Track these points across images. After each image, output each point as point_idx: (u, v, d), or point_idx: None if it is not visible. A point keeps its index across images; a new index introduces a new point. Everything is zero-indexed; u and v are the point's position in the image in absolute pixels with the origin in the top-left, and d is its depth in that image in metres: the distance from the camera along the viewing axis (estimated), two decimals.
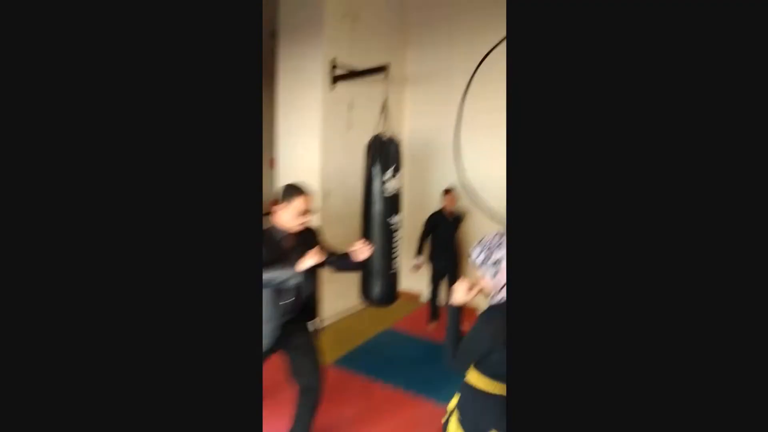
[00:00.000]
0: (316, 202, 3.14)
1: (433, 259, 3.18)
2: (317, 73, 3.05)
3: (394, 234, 2.43)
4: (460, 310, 1.11)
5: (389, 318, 3.46)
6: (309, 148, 3.15)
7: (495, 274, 1.02)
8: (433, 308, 3.32)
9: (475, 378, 1.10)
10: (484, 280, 1.05)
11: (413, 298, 3.98)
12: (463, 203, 3.73)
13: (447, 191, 3.18)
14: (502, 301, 1.03)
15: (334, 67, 3.08)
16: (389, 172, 2.38)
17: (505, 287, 1.01)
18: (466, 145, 3.76)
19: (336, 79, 3.09)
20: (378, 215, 2.38)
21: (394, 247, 2.44)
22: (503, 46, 3.46)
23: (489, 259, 1.02)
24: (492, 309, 1.04)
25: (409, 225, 3.73)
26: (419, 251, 3.17)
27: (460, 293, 1.10)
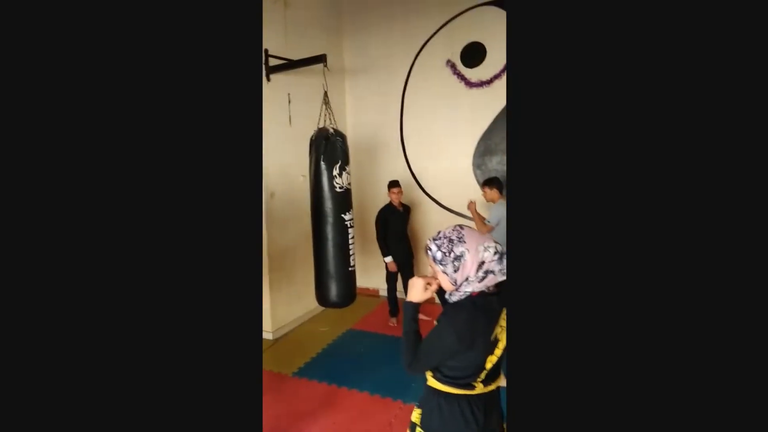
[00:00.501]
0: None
1: (390, 251, 3.12)
2: None
3: (349, 231, 2.32)
4: (417, 308, 1.05)
5: (349, 318, 3.35)
6: None
7: (456, 270, 0.96)
8: (393, 303, 3.26)
9: (435, 382, 1.04)
10: (443, 276, 0.99)
11: (371, 294, 3.90)
12: (414, 194, 3.71)
13: (393, 184, 3.11)
14: (464, 297, 0.97)
15: (267, 57, 2.87)
16: (338, 167, 2.25)
17: (466, 282, 0.96)
18: (412, 135, 3.74)
19: (271, 71, 2.88)
20: (331, 212, 2.25)
21: (351, 244, 2.33)
22: (442, 32, 3.47)
23: (450, 253, 0.95)
24: (455, 307, 0.98)
25: (360, 221, 3.63)
26: (387, 250, 3.07)
27: (417, 291, 1.03)
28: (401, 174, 3.68)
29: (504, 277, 0.96)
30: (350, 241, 2.33)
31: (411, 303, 1.04)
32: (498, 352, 0.99)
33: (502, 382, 1.19)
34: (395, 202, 3.11)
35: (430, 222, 3.67)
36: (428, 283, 1.02)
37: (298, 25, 3.19)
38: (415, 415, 1.11)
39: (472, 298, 0.97)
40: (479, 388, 1.01)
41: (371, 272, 3.79)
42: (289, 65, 2.86)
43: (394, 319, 3.26)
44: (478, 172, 3.46)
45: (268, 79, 2.91)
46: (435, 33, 3.51)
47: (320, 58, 2.56)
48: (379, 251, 3.12)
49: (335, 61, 3.56)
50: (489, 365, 0.99)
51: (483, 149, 3.42)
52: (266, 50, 2.86)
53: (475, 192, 3.41)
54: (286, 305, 3.19)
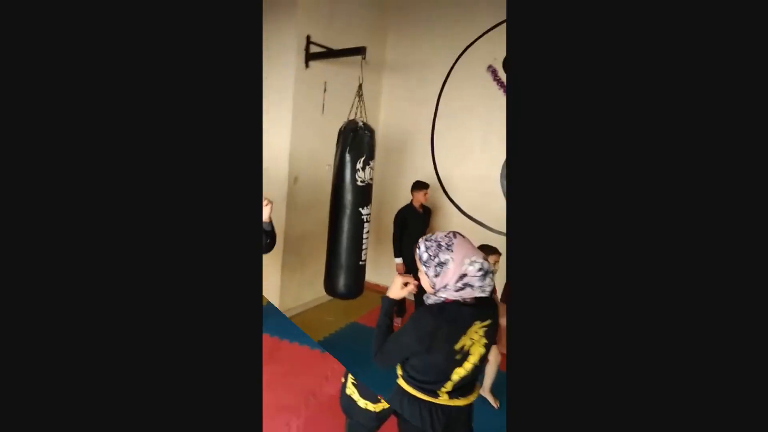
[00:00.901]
0: (283, 187, 2.97)
1: (404, 253, 3.10)
2: (291, 49, 2.85)
3: (365, 225, 2.32)
4: (393, 304, 1.08)
5: (356, 311, 3.36)
6: (279, 129, 2.96)
7: (437, 275, 0.97)
8: (400, 303, 3.24)
9: (402, 381, 1.07)
10: (424, 277, 1.01)
11: (381, 291, 3.90)
12: (435, 197, 3.67)
13: (422, 186, 3.08)
14: (438, 302, 0.99)
15: (308, 44, 2.89)
16: (362, 161, 2.26)
17: (444, 289, 0.97)
18: (442, 138, 3.69)
19: (310, 58, 2.91)
20: (349, 205, 2.26)
21: (365, 239, 2.33)
22: (486, 38, 3.40)
23: (435, 257, 0.97)
24: (425, 310, 1.00)
25: (378, 217, 3.63)
26: (399, 251, 3.05)
27: (395, 288, 1.06)
28: (426, 176, 3.64)
29: (483, 294, 0.96)
30: (365, 236, 2.33)
31: (388, 298, 1.07)
32: (468, 366, 0.99)
33: (492, 400, 1.17)
34: (416, 204, 3.08)
35: (449, 227, 3.61)
36: (407, 283, 1.04)
37: (344, 16, 3.20)
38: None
39: (443, 305, 0.97)
40: (443, 399, 1.01)
41: (383, 269, 3.79)
42: (328, 54, 2.88)
43: (399, 319, 3.25)
44: (506, 183, 3.38)
45: (307, 66, 2.94)
46: (479, 37, 3.44)
47: (359, 50, 2.56)
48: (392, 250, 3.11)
49: (376, 55, 3.56)
50: (456, 377, 0.99)
51: None
52: (308, 36, 2.89)
53: (501, 203, 3.34)
54: (296, 289, 3.24)
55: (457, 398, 1.03)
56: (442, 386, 1.00)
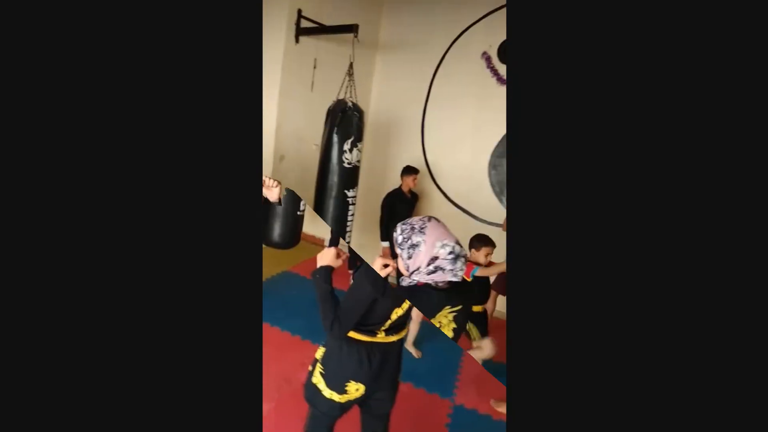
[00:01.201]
0: (268, 165, 2.91)
1: (390, 238, 3.09)
2: (281, 23, 2.75)
3: (350, 207, 2.30)
4: (329, 271, 1.11)
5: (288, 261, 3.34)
6: (266, 105, 2.87)
7: (410, 257, 0.99)
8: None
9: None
10: (400, 260, 1.03)
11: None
12: (423, 183, 3.65)
13: (412, 170, 3.05)
14: (411, 284, 1.01)
15: (299, 18, 2.79)
16: (349, 143, 2.22)
17: (416, 272, 0.99)
18: (433, 124, 3.65)
19: (301, 33, 2.81)
20: (335, 186, 2.23)
21: (349, 221, 2.31)
22: (482, 23, 3.34)
23: (409, 239, 0.99)
24: (366, 266, 1.03)
25: (365, 200, 3.60)
26: (386, 235, 3.03)
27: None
28: (415, 160, 3.62)
29: (456, 278, 0.98)
30: (349, 218, 2.31)
31: (323, 267, 1.10)
32: (405, 305, 1.06)
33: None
34: (405, 189, 3.06)
35: (435, 214, 3.62)
36: (386, 264, 1.05)
37: None
38: (318, 353, 1.19)
39: (414, 287, 1.00)
40: (380, 337, 1.08)
41: (368, 252, 3.79)
42: (319, 30, 2.79)
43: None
44: (494, 172, 3.38)
45: (297, 41, 2.84)
46: (475, 22, 3.38)
47: (351, 28, 2.48)
48: (378, 231, 3.10)
49: (369, 34, 3.46)
50: (394, 316, 1.06)
51: (502, 150, 3.33)
52: (299, 10, 2.79)
53: (488, 192, 3.34)
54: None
55: (392, 335, 1.10)
56: (382, 326, 1.07)
